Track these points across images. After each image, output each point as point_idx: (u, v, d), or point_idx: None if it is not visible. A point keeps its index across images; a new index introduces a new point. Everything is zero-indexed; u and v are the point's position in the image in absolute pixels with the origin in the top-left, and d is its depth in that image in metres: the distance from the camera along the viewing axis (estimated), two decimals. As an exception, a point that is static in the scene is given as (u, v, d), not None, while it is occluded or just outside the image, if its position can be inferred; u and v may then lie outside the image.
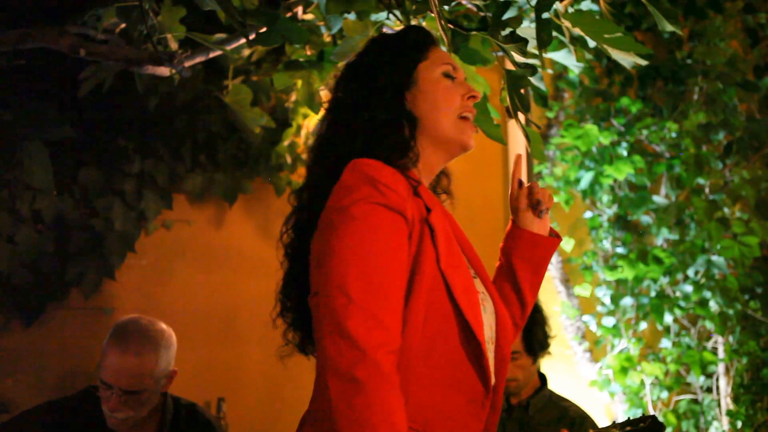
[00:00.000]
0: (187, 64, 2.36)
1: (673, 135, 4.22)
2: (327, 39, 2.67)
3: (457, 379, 1.37)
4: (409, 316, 1.34)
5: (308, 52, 2.72)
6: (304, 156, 3.64)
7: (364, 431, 1.21)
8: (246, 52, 3.05)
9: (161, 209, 3.29)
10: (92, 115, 3.05)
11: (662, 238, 4.15)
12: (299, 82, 2.55)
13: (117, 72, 2.52)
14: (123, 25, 2.50)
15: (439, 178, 1.72)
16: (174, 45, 2.52)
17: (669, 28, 1.97)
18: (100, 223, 3.17)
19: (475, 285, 1.47)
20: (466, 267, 1.47)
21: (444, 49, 2.17)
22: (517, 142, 4.03)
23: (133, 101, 3.06)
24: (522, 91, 1.95)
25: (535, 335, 2.69)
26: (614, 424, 2.44)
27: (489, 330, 1.46)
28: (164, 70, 2.34)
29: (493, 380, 1.42)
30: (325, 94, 2.19)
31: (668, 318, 4.05)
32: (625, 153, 4.16)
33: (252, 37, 2.20)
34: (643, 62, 1.98)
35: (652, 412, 3.96)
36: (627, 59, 1.98)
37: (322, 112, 1.69)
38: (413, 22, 2.31)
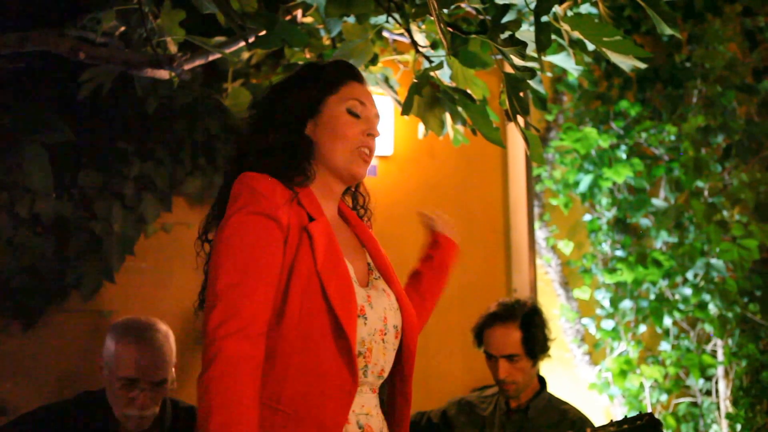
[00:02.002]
0: (187, 67, 2.37)
1: (672, 138, 4.23)
2: (326, 42, 2.67)
3: (327, 370, 1.52)
4: (286, 312, 1.52)
5: (307, 55, 2.73)
6: (303, 159, 3.65)
7: (208, 414, 1.37)
8: (245, 55, 3.05)
9: (160, 212, 3.29)
10: (91, 118, 3.04)
11: (661, 241, 4.15)
12: (298, 85, 2.55)
13: (116, 75, 2.52)
14: (123, 28, 2.50)
15: (356, 196, 1.93)
16: (173, 48, 2.52)
17: (668, 31, 1.97)
18: (99, 226, 3.17)
19: (379, 284, 1.73)
20: (344, 270, 1.60)
21: (441, 52, 2.18)
22: (516, 145, 4.03)
23: (133, 104, 3.06)
24: (521, 94, 1.95)
25: (534, 338, 2.69)
26: (612, 423, 2.45)
27: (380, 322, 1.65)
28: (164, 73, 2.35)
29: (360, 372, 1.59)
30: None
31: (667, 321, 4.05)
32: (624, 156, 4.17)
33: (251, 40, 2.21)
34: (642, 65, 1.99)
35: (651, 415, 3.96)
36: (626, 62, 1.98)
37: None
38: (413, 26, 2.31)
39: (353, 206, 1.92)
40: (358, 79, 1.81)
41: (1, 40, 2.41)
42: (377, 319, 1.64)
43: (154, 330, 2.42)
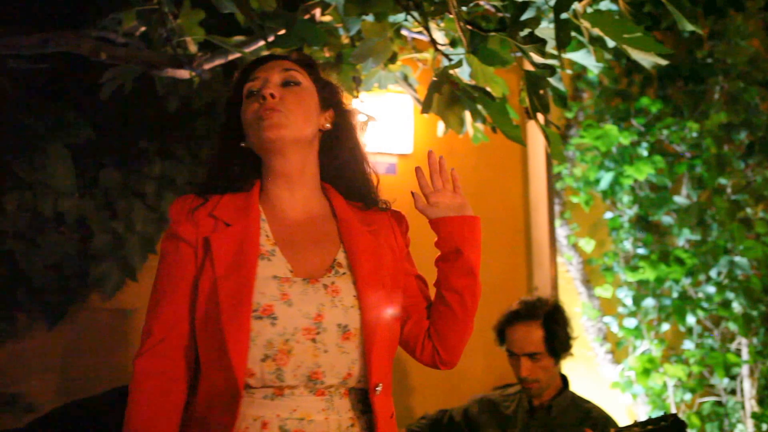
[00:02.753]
0: (207, 66, 2.38)
1: (694, 135, 4.19)
2: (345, 41, 2.67)
3: (220, 376, 1.52)
4: (196, 321, 1.56)
5: (326, 54, 2.73)
6: (323, 157, 3.66)
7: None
8: (263, 54, 3.06)
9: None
10: (113, 118, 3.07)
11: (684, 238, 4.11)
12: (318, 84, 2.56)
13: (137, 75, 2.54)
14: (143, 29, 2.52)
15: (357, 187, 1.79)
16: (193, 48, 2.54)
17: (689, 27, 1.96)
18: (121, 225, 3.19)
19: (334, 280, 1.60)
20: (247, 271, 1.55)
21: (461, 50, 2.17)
22: (536, 143, 4.01)
23: (153, 104, 3.08)
24: (541, 91, 1.95)
25: (556, 336, 2.68)
26: (636, 423, 2.44)
27: (305, 320, 1.54)
28: (184, 73, 2.36)
29: (243, 378, 1.51)
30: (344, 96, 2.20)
31: (691, 319, 4.02)
32: (645, 153, 4.14)
33: (271, 39, 2.22)
34: (663, 62, 1.97)
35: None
36: (647, 59, 1.97)
37: None
38: (431, 24, 2.31)
39: (359, 197, 1.77)
40: (260, 62, 1.74)
41: (24, 42, 2.44)
42: (301, 316, 1.53)
43: None
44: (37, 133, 2.75)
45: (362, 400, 1.59)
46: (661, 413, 3.88)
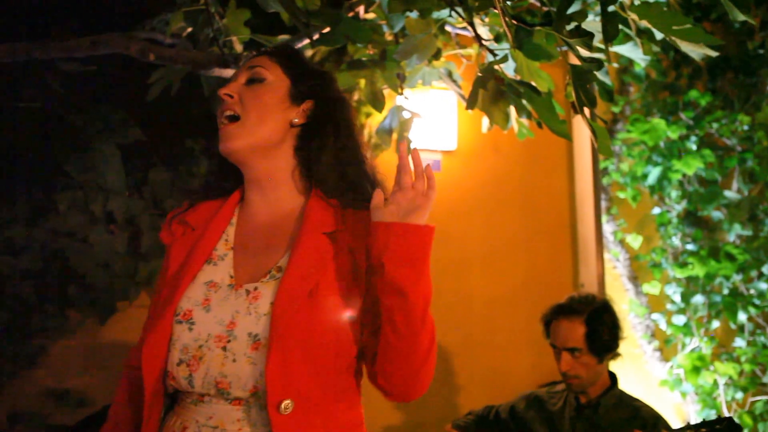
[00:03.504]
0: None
1: (745, 128, 4.11)
2: (389, 38, 2.67)
3: (141, 375, 1.54)
4: None
5: (370, 51, 2.73)
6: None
7: None
8: (309, 52, 3.08)
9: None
10: (161, 118, 3.11)
11: (735, 234, 4.04)
12: (362, 82, 2.57)
13: (184, 75, 2.57)
14: (190, 29, 2.55)
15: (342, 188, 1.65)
16: (239, 47, 2.56)
17: (740, 17, 1.92)
18: (169, 224, 3.25)
19: (257, 286, 1.51)
20: (184, 276, 1.55)
21: (506, 45, 2.16)
22: (582, 138, 3.98)
23: (200, 103, 3.12)
24: (588, 85, 1.93)
25: (599, 335, 2.66)
26: (689, 426, 2.40)
27: (218, 327, 1.48)
28: (230, 72, 2.38)
29: (154, 380, 1.51)
30: (388, 93, 2.19)
31: (742, 316, 3.95)
32: (694, 147, 4.07)
33: (316, 37, 2.23)
34: (713, 53, 1.94)
35: (726, 413, 3.87)
36: (696, 51, 1.93)
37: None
38: (476, 19, 2.30)
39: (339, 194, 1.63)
40: (241, 65, 1.71)
41: (75, 44, 2.49)
42: (215, 323, 1.48)
43: None
44: (88, 133, 2.80)
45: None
46: (714, 415, 3.83)
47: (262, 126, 1.57)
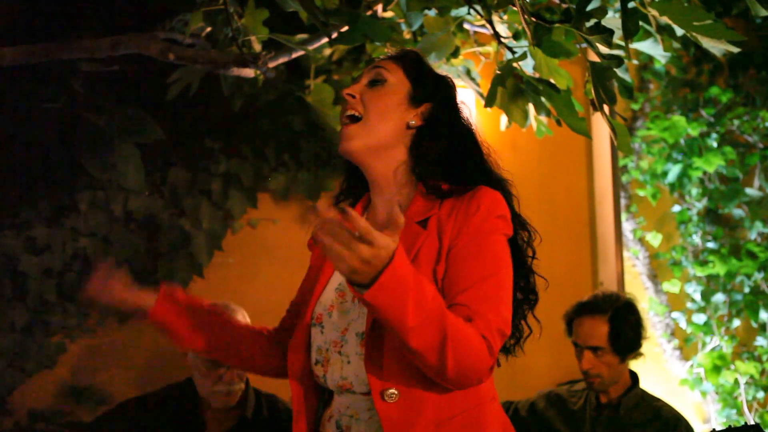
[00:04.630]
0: (271, 65, 2.41)
1: (767, 125, 4.07)
2: (407, 36, 2.68)
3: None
4: None
5: (389, 50, 2.74)
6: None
7: None
8: (327, 51, 3.09)
9: (247, 208, 3.36)
10: (180, 118, 3.13)
11: (756, 231, 4.00)
12: (381, 80, 2.56)
13: (203, 75, 2.59)
14: (209, 29, 2.56)
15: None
16: (258, 47, 2.57)
17: (762, 12, 1.91)
18: (188, 223, 3.26)
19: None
20: (313, 280, 1.72)
21: (524, 42, 2.15)
22: (601, 135, 3.95)
23: (219, 103, 3.13)
24: (607, 83, 1.92)
25: (622, 334, 2.64)
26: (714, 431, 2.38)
27: (336, 333, 1.58)
28: (249, 72, 2.39)
29: (298, 376, 1.64)
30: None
31: (764, 315, 3.92)
32: (715, 144, 4.04)
33: (334, 36, 2.23)
34: (735, 49, 1.92)
35: (747, 413, 3.84)
36: (718, 47, 1.92)
37: None
38: (494, 17, 2.29)
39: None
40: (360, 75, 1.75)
41: (95, 45, 2.50)
42: (334, 329, 1.57)
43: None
44: (109, 133, 2.81)
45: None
46: (734, 415, 3.80)
47: (381, 127, 1.61)
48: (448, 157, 1.63)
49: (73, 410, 3.13)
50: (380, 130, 1.61)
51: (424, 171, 1.62)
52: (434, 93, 1.69)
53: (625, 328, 2.65)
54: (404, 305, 1.28)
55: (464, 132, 1.70)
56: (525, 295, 1.68)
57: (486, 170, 1.68)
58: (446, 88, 1.73)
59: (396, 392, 1.46)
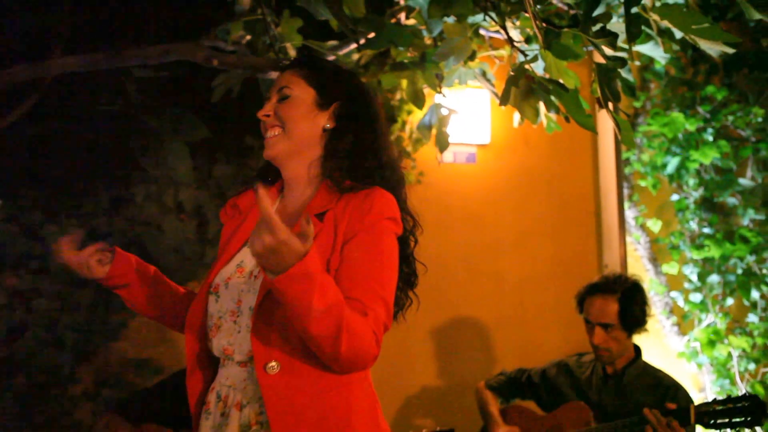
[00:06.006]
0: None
1: (759, 120, 3.98)
2: (428, 41, 2.64)
3: None
4: None
5: (411, 54, 2.71)
6: (408, 149, 3.64)
7: None
8: (355, 56, 3.06)
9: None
10: (223, 118, 3.13)
11: (749, 218, 3.94)
12: (404, 82, 2.55)
13: (244, 79, 2.58)
14: (248, 37, 2.56)
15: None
16: (293, 52, 2.55)
17: (756, 16, 1.85)
18: (232, 212, 3.27)
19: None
20: (219, 258, 1.65)
21: (535, 46, 2.12)
22: (606, 132, 3.90)
23: (258, 104, 3.12)
24: (612, 82, 1.88)
25: (631, 312, 2.62)
26: (715, 401, 2.34)
27: (232, 303, 1.56)
28: (285, 75, 2.37)
29: (191, 345, 1.62)
30: (428, 92, 2.15)
31: (755, 294, 3.86)
32: (711, 138, 3.96)
33: (362, 42, 2.21)
34: (731, 50, 1.87)
35: (739, 383, 3.78)
36: (714, 48, 1.87)
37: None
38: (508, 23, 2.26)
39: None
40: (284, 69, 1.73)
41: (148, 53, 2.50)
42: (229, 299, 1.56)
43: None
44: (160, 132, 2.82)
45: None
46: (728, 384, 3.75)
47: (297, 133, 1.61)
48: (352, 153, 1.61)
49: (132, 379, 3.16)
50: (296, 136, 1.61)
51: (330, 166, 1.61)
52: (339, 92, 1.66)
53: (633, 306, 2.62)
54: (310, 297, 1.29)
55: (369, 127, 1.65)
56: (408, 277, 1.64)
57: (385, 167, 1.63)
58: (350, 84, 1.70)
59: (276, 365, 1.45)
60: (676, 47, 2.28)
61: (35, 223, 3.10)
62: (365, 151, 1.62)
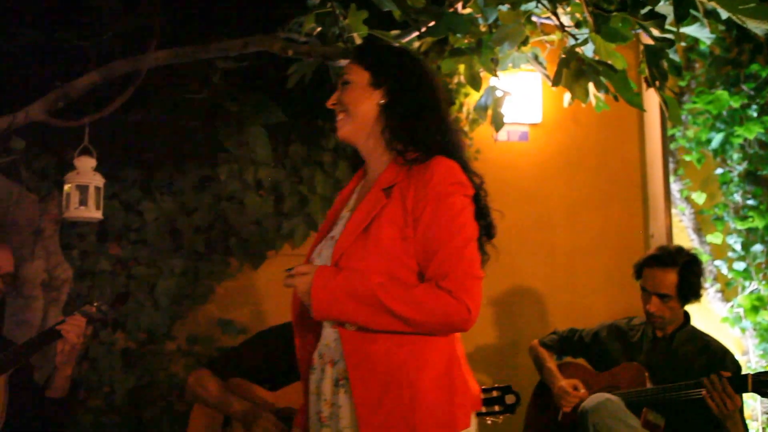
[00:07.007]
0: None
1: (803, 96, 3.81)
2: (484, 29, 2.62)
3: None
4: None
5: (468, 41, 2.69)
6: (465, 128, 3.62)
7: None
8: (416, 44, 3.06)
9: (353, 176, 3.39)
10: (298, 103, 3.16)
11: (792, 190, 3.79)
12: (462, 66, 2.54)
13: (316, 66, 2.61)
14: (319, 29, 2.58)
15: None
16: (359, 41, 2.57)
17: (802, -5, 1.78)
18: (306, 188, 3.31)
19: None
20: (319, 232, 1.70)
21: (585, 30, 2.08)
22: (652, 109, 3.81)
23: (329, 89, 3.15)
24: (660, 62, 1.84)
25: (689, 284, 2.55)
26: (764, 372, 2.26)
27: None
28: (353, 63, 2.39)
29: (295, 312, 1.70)
30: (484, 75, 2.14)
31: (798, 262, 3.72)
32: (755, 114, 3.81)
33: (423, 30, 2.21)
34: (776, 28, 1.81)
35: (782, 347, 3.67)
36: (761, 27, 1.81)
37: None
38: (558, 9, 2.23)
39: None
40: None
41: (229, 45, 2.56)
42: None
43: None
44: (242, 117, 2.88)
45: None
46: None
47: (357, 113, 1.63)
48: (408, 124, 1.60)
49: (220, 337, 3.25)
50: (357, 117, 1.63)
51: (388, 138, 1.61)
52: (390, 69, 1.65)
53: (691, 279, 2.55)
54: (342, 307, 1.47)
55: (422, 97, 1.64)
56: (487, 229, 1.62)
57: (443, 133, 1.62)
58: (400, 60, 1.69)
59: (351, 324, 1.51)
60: (721, 27, 2.20)
61: (134, 200, 3.20)
62: (420, 120, 1.60)
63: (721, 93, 3.79)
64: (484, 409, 2.58)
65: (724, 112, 3.83)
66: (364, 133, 1.64)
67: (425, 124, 1.60)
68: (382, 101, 1.63)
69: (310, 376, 1.63)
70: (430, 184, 1.51)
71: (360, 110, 1.63)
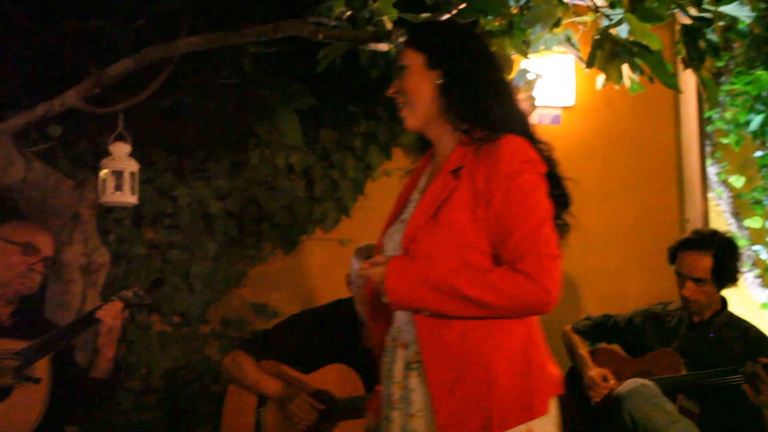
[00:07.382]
0: (401, 39, 2.39)
1: None
2: (515, 11, 2.58)
3: None
4: None
5: (499, 23, 2.65)
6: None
7: None
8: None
9: (383, 160, 3.39)
10: (328, 87, 3.16)
11: (834, 173, 3.68)
12: (493, 48, 2.50)
13: (346, 50, 2.60)
14: (349, 12, 2.57)
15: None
16: (389, 25, 2.54)
17: None
18: (336, 173, 3.32)
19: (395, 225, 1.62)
20: (392, 211, 1.67)
21: (619, 10, 2.03)
22: (688, 91, 3.72)
23: (359, 74, 3.14)
24: (697, 42, 1.79)
25: (724, 268, 2.50)
26: None
27: (391, 253, 1.57)
28: (383, 46, 2.39)
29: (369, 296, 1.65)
30: (515, 57, 2.11)
31: (840, 247, 3.62)
32: (796, 95, 3.71)
33: (454, 12, 2.19)
34: (821, 5, 1.74)
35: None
36: (803, 4, 1.75)
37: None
38: (593, -11, 2.18)
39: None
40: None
41: (260, 30, 2.56)
42: (390, 251, 1.57)
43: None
44: (272, 102, 2.89)
45: None
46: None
47: (418, 98, 1.58)
48: (468, 101, 1.54)
49: (253, 321, 3.29)
50: (418, 102, 1.58)
51: (450, 118, 1.56)
52: (445, 47, 1.59)
53: (727, 262, 2.50)
54: (417, 296, 1.44)
55: (479, 73, 1.57)
56: (561, 200, 1.60)
57: (505, 109, 1.55)
58: (455, 36, 1.63)
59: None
60: (762, 5, 2.14)
61: (168, 185, 3.24)
62: (480, 97, 1.54)
63: (761, 73, 3.68)
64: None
65: (764, 93, 3.72)
66: (428, 118, 1.59)
67: (486, 100, 1.54)
68: (440, 81, 1.57)
69: (382, 358, 1.63)
70: (500, 165, 1.46)
71: (418, 95, 1.58)
